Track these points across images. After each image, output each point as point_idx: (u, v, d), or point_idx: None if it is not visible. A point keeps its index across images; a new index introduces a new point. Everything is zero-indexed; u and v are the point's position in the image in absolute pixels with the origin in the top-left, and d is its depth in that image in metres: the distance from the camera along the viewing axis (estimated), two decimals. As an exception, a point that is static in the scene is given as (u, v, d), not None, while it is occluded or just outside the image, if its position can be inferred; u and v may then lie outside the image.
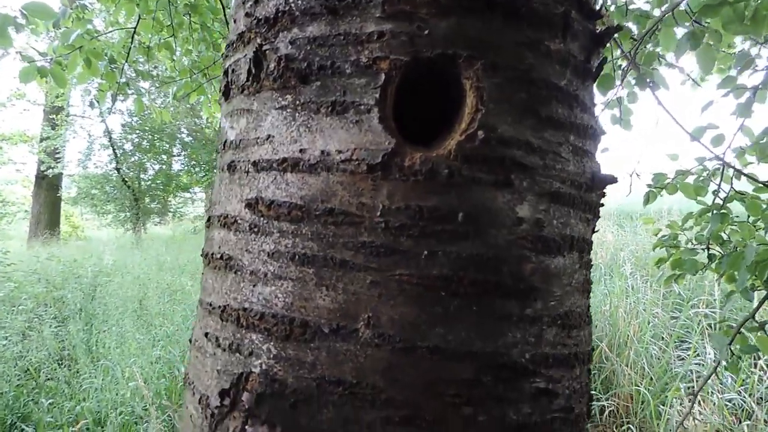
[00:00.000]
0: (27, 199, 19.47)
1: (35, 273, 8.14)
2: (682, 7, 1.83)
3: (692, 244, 2.27)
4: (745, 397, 3.41)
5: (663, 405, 3.48)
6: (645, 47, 2.38)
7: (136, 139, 16.91)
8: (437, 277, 0.70)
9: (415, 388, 0.70)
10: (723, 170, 2.07)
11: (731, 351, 1.81)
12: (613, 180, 0.87)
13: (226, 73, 0.88)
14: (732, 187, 2.08)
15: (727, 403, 3.40)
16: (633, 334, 4.25)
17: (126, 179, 16.40)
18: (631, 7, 2.45)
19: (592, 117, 0.87)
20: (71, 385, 4.30)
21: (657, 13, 2.43)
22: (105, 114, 13.92)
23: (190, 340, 0.91)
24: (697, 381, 3.69)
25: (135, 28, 3.37)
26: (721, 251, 2.16)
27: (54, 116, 15.02)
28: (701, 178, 2.20)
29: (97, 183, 16.50)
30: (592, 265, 0.90)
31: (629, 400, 3.77)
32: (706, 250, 2.20)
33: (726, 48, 2.77)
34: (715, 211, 2.05)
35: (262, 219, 0.76)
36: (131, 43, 3.42)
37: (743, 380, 3.51)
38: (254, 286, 0.76)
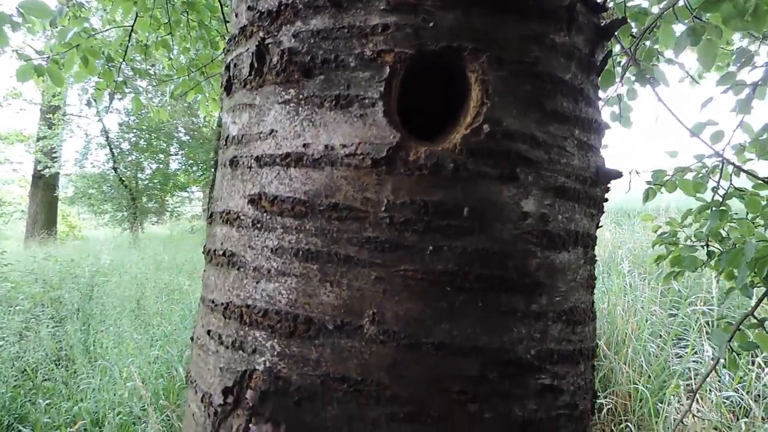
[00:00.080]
0: (24, 198, 19.39)
1: (32, 273, 8.10)
2: (681, 3, 1.82)
3: (691, 241, 2.27)
4: (742, 394, 3.41)
5: (661, 403, 3.49)
6: (644, 44, 2.38)
7: (133, 138, 16.85)
8: (442, 272, 0.69)
9: (420, 384, 0.69)
10: (722, 167, 2.07)
11: (730, 348, 1.81)
12: (617, 175, 0.86)
13: (227, 67, 0.87)
14: (731, 184, 2.08)
15: (725, 400, 3.41)
16: (631, 332, 4.26)
17: (123, 178, 16.35)
18: (629, 4, 2.45)
19: (597, 111, 0.86)
20: (69, 385, 4.28)
21: (655, 10, 2.43)
22: (102, 113, 13.87)
23: (192, 338, 0.91)
24: (695, 379, 3.70)
25: (132, 26, 3.35)
26: (720, 248, 2.16)
27: (51, 115, 14.96)
28: (700, 175, 2.20)
29: (94, 182, 16.43)
30: (596, 260, 0.89)
31: (627, 398, 3.77)
32: (705, 247, 2.20)
33: (724, 45, 2.78)
34: (714, 208, 2.05)
35: (265, 215, 0.76)
36: (128, 41, 3.41)
37: (741, 378, 3.51)
38: (257, 282, 0.76)
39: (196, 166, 17.36)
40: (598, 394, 3.84)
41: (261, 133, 0.78)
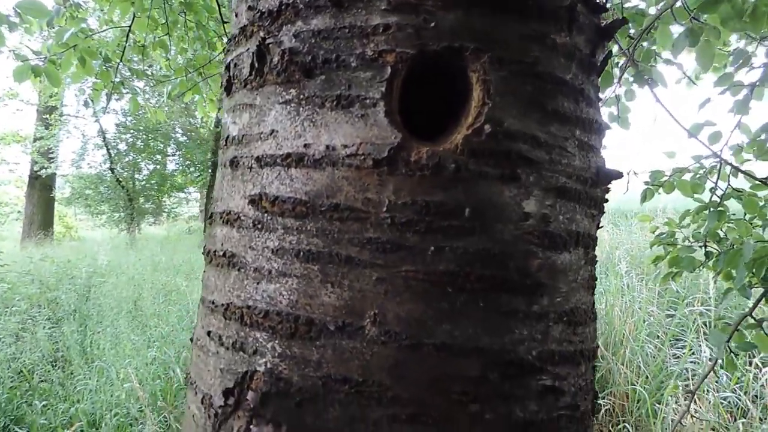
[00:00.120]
0: (20, 199, 19.33)
1: (29, 274, 8.06)
2: (679, 4, 1.83)
3: (689, 241, 2.27)
4: (740, 395, 3.42)
5: (659, 403, 3.49)
6: (642, 45, 2.39)
7: (131, 139, 16.78)
8: (443, 272, 0.69)
9: (421, 385, 0.69)
10: (720, 167, 2.07)
11: (728, 348, 1.81)
12: (618, 175, 0.87)
13: (228, 67, 0.87)
14: (729, 185, 2.09)
15: (723, 401, 3.41)
16: (629, 332, 4.26)
17: (120, 179, 16.29)
18: (626, 5, 2.45)
19: (597, 111, 0.86)
20: (65, 386, 4.26)
21: (653, 11, 2.43)
22: (99, 114, 13.82)
23: (192, 339, 0.90)
24: (692, 379, 3.70)
25: (130, 26, 3.34)
26: (718, 249, 2.16)
27: (47, 116, 14.90)
28: (698, 176, 2.21)
29: (91, 183, 16.37)
30: (596, 261, 0.89)
31: (625, 399, 3.77)
32: (703, 247, 2.20)
33: (721, 46, 2.79)
34: (712, 209, 2.06)
35: (266, 215, 0.75)
36: (126, 41, 3.40)
37: (738, 378, 3.52)
38: (258, 283, 0.75)
39: (193, 167, 17.31)
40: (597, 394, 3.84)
41: (262, 133, 0.78)
